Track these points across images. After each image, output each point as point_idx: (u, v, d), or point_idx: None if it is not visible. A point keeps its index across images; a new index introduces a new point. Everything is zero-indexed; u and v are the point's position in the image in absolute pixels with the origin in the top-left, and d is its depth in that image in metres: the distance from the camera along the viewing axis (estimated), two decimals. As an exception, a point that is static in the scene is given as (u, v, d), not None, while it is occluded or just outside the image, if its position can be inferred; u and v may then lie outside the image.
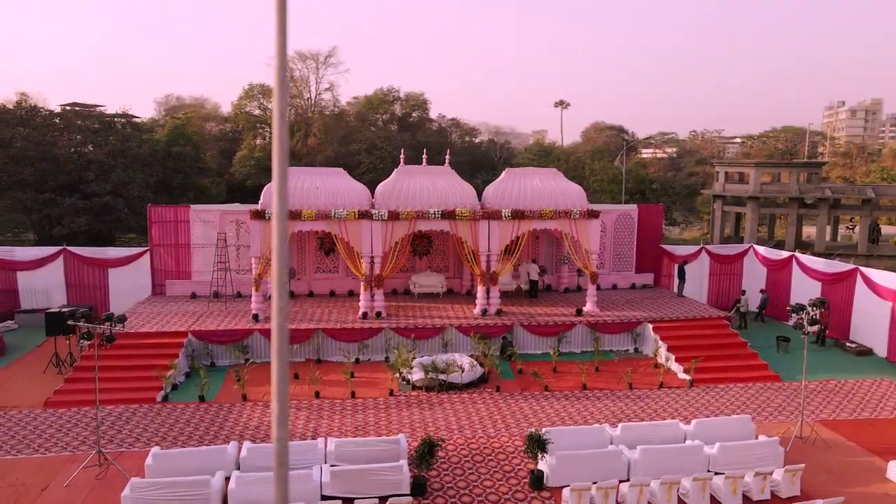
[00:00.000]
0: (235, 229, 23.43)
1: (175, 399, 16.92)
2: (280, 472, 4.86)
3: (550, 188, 21.63)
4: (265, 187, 20.86)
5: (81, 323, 12.58)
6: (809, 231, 48.64)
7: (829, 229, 40.41)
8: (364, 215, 20.27)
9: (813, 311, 14.60)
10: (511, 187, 21.57)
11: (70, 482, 12.55)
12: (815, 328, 15.78)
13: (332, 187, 20.81)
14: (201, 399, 16.65)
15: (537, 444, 12.62)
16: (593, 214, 21.23)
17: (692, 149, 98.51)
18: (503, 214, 20.76)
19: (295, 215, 19.98)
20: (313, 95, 64.15)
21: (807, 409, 16.52)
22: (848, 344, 21.26)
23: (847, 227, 53.27)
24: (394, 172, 21.76)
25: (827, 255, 32.99)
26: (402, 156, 22.17)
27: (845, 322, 21.84)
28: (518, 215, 20.82)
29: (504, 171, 22.42)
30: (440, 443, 12.69)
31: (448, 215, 20.56)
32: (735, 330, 21.71)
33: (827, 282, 22.44)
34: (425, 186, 21.14)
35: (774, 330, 22.87)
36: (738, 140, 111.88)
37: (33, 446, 14.16)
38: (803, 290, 23.17)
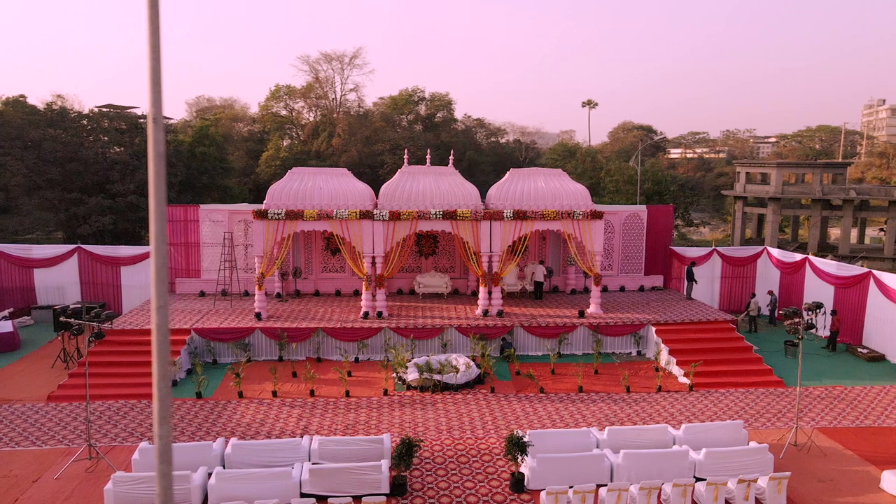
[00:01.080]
0: (244, 229, 23.78)
1: (173, 395, 17.20)
2: (163, 468, 4.94)
3: (554, 189, 21.48)
4: (270, 187, 21.10)
5: (72, 320, 12.88)
6: (839, 233, 47.48)
7: (856, 231, 39.40)
8: (365, 215, 20.38)
9: (809, 315, 14.26)
10: (514, 188, 21.47)
11: (60, 475, 12.89)
12: (823, 333, 15.40)
13: (335, 187, 20.97)
14: (198, 396, 16.92)
15: (517, 447, 12.56)
16: (597, 215, 21.02)
17: (723, 149, 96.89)
18: (505, 215, 20.68)
19: (297, 215, 20.20)
20: (338, 96, 64.79)
21: (808, 415, 16.17)
22: (860, 349, 20.67)
23: (880, 230, 51.84)
24: (397, 173, 21.84)
25: (850, 257, 32.18)
26: (405, 156, 22.22)
27: (858, 327, 21.25)
28: (520, 216, 20.72)
29: (508, 172, 22.31)
30: (419, 443, 12.70)
31: (449, 216, 20.55)
32: (744, 333, 21.33)
33: (840, 285, 21.85)
34: (428, 187, 21.17)
35: (786, 334, 22.35)
36: (773, 139, 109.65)
37: (31, 439, 14.56)
38: (816, 293, 22.62)
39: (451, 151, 23.20)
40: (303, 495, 12.14)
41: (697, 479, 12.52)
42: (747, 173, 37.68)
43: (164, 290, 4.57)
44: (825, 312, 16.86)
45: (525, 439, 12.77)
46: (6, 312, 22.76)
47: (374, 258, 20.65)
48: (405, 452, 12.40)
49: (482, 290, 21.22)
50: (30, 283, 23.61)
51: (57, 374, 18.51)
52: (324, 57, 61.91)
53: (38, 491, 12.38)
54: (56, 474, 12.89)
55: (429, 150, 22.64)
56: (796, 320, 13.88)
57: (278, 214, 20.15)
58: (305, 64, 61.39)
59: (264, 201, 20.79)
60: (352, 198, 20.82)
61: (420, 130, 60.08)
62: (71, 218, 38.79)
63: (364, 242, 20.51)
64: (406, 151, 22.71)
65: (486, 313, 21.01)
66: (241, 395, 16.98)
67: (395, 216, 20.43)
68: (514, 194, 21.26)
